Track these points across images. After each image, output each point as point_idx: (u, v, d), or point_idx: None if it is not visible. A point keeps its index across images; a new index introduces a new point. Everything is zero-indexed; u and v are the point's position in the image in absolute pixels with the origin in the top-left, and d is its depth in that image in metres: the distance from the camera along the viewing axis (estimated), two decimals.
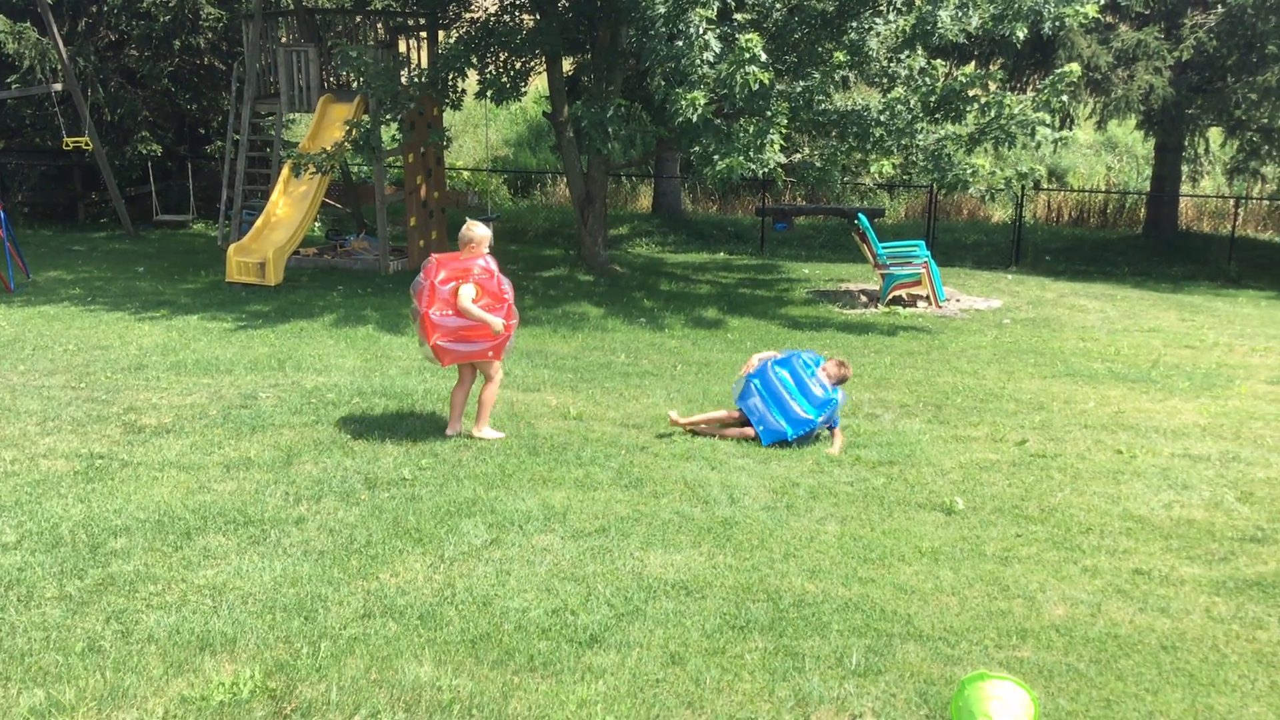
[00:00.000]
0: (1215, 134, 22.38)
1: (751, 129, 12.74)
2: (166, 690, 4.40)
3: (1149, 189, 23.46)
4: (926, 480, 7.31)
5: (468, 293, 7.45)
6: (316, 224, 20.49)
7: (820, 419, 8.00)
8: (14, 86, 19.66)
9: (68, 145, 19.24)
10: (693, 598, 5.38)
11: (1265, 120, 19.56)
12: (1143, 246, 21.54)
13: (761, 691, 4.53)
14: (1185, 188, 23.10)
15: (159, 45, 21.16)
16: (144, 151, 21.22)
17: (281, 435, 7.86)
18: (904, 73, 14.02)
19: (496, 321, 7.51)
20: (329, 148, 15.12)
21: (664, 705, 4.40)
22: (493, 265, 7.67)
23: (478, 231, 7.63)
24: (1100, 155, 28.17)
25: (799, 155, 14.70)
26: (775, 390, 8.12)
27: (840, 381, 8.27)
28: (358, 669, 4.60)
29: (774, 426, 8.03)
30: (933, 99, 13.82)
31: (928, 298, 15.20)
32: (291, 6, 18.60)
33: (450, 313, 7.47)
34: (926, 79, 14.00)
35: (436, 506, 6.48)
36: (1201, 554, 6.14)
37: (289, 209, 16.02)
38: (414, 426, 8.13)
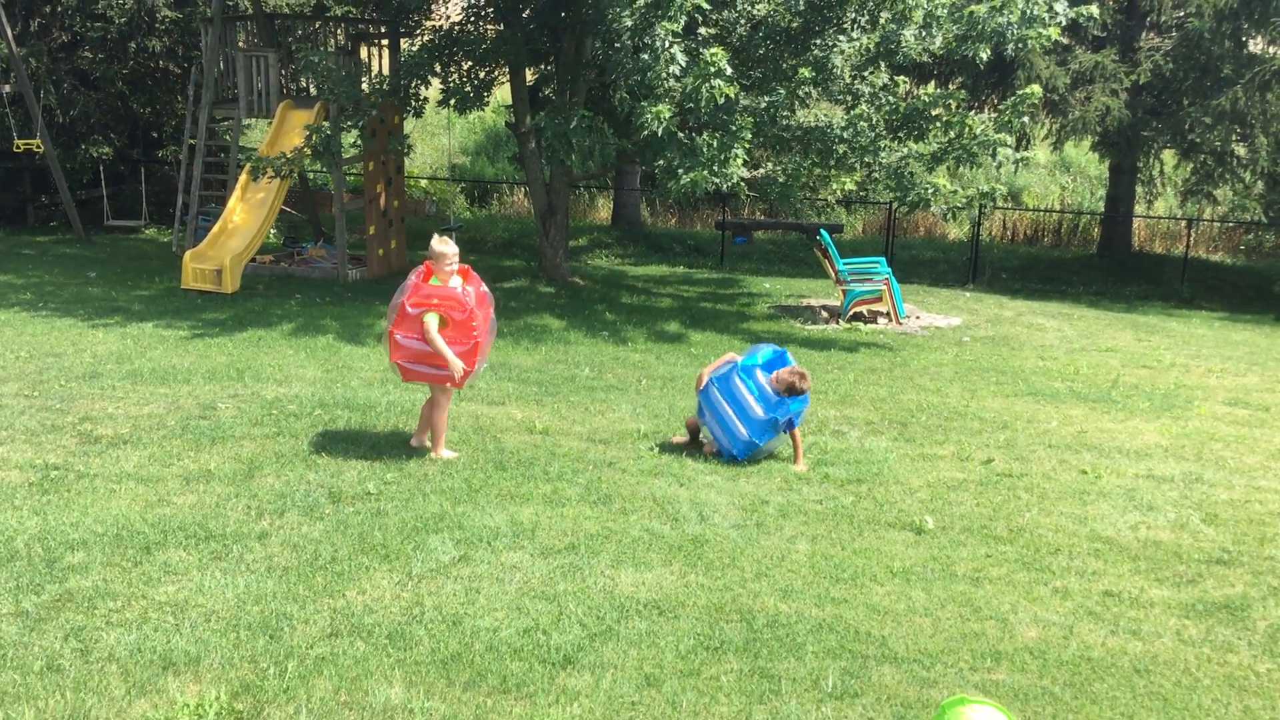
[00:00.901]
0: (1169, 156, 22.69)
1: (715, 143, 12.74)
2: (129, 711, 4.27)
3: (1103, 209, 23.75)
4: (895, 499, 7.30)
5: (432, 322, 7.30)
6: (273, 231, 20.25)
7: (765, 442, 7.86)
8: None
9: (19, 147, 18.88)
10: (666, 617, 5.32)
11: (1218, 144, 19.86)
12: (1097, 266, 21.80)
13: (739, 715, 4.48)
14: (1139, 209, 23.41)
15: (114, 48, 20.85)
16: (95, 154, 20.88)
17: (242, 447, 7.71)
18: (867, 90, 14.08)
19: (456, 364, 7.35)
20: (288, 153, 14.95)
21: None
22: (471, 301, 7.45)
23: (435, 246, 7.46)
24: (1054, 175, 28.50)
25: (762, 170, 14.71)
26: (719, 410, 7.94)
27: (792, 392, 7.87)
28: (326, 690, 4.49)
29: (727, 448, 7.97)
30: (896, 118, 13.91)
31: (888, 314, 15.26)
32: (250, 11, 18.40)
33: (416, 338, 7.36)
34: (889, 97, 14.07)
35: (403, 522, 6.37)
36: (1170, 576, 6.17)
37: (246, 215, 15.80)
38: (378, 440, 8.01)
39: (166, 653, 4.72)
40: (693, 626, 5.23)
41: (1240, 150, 20.30)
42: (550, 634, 5.07)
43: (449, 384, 7.56)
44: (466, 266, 7.65)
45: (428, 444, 7.80)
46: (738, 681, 4.73)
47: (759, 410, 7.81)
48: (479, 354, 7.57)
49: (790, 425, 7.97)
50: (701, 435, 8.28)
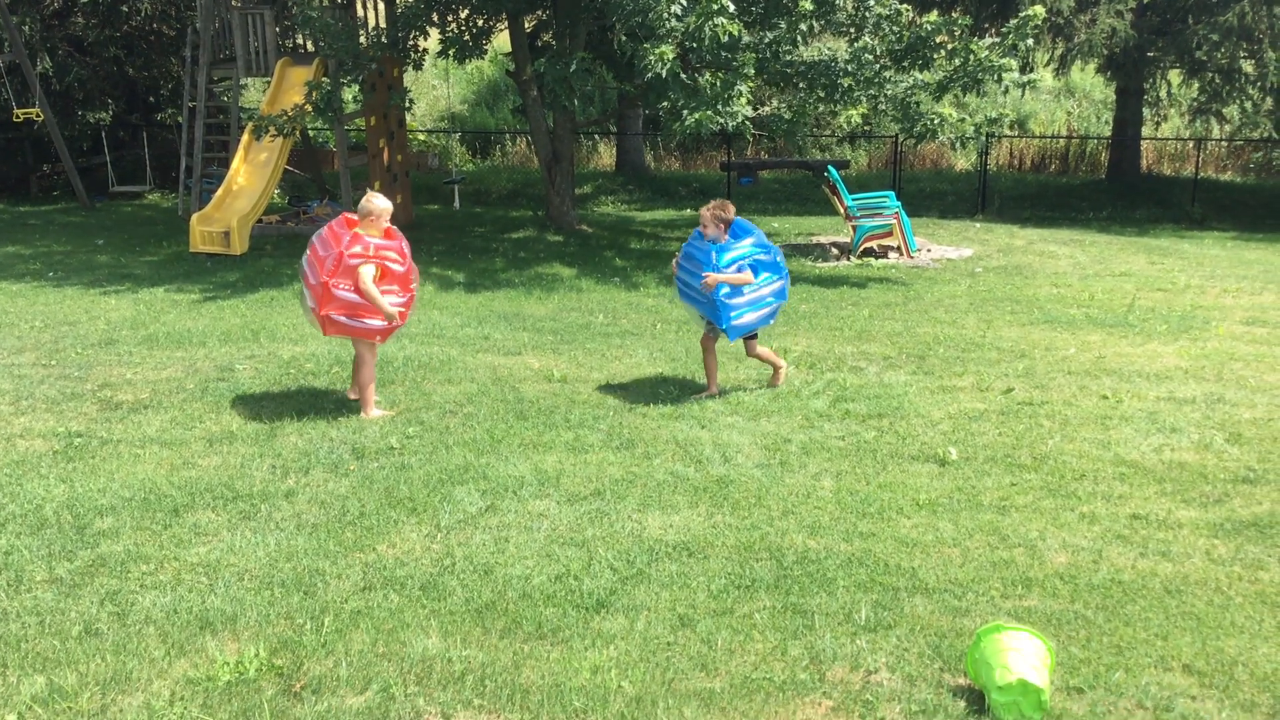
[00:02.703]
0: (1175, 76, 22.43)
1: (719, 82, 12.60)
2: (170, 672, 4.31)
3: (1110, 133, 23.52)
4: (917, 432, 7.29)
5: (369, 273, 7.16)
6: (277, 191, 20.16)
7: (723, 291, 7.53)
8: None
9: (18, 117, 18.74)
10: (695, 558, 5.34)
11: (1225, 61, 19.60)
12: (1106, 191, 21.63)
13: (774, 651, 4.50)
14: (1146, 131, 23.17)
15: (106, 12, 20.65)
16: (93, 120, 20.73)
17: (263, 407, 7.73)
18: (871, 20, 13.88)
19: (391, 313, 7.26)
20: (289, 111, 14.83)
21: (678, 669, 4.36)
22: (406, 249, 7.42)
23: (378, 203, 7.32)
24: (1060, 101, 28.21)
25: (767, 108, 14.57)
26: (688, 286, 7.83)
27: (721, 221, 7.69)
28: (364, 643, 4.52)
29: (715, 317, 7.73)
30: (899, 47, 13.73)
31: (899, 248, 15.18)
32: None
33: (350, 287, 7.18)
34: (893, 26, 13.88)
35: (428, 475, 6.39)
36: (1196, 497, 6.16)
37: (251, 176, 15.72)
38: (396, 395, 8.02)
39: (203, 613, 4.76)
40: (723, 566, 5.25)
41: (1248, 67, 20.04)
42: (582, 579, 5.10)
43: (375, 338, 7.45)
44: (391, 227, 7.48)
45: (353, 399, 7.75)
46: (771, 618, 4.76)
47: (708, 260, 7.62)
48: (410, 306, 7.54)
49: (741, 269, 7.67)
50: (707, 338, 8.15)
